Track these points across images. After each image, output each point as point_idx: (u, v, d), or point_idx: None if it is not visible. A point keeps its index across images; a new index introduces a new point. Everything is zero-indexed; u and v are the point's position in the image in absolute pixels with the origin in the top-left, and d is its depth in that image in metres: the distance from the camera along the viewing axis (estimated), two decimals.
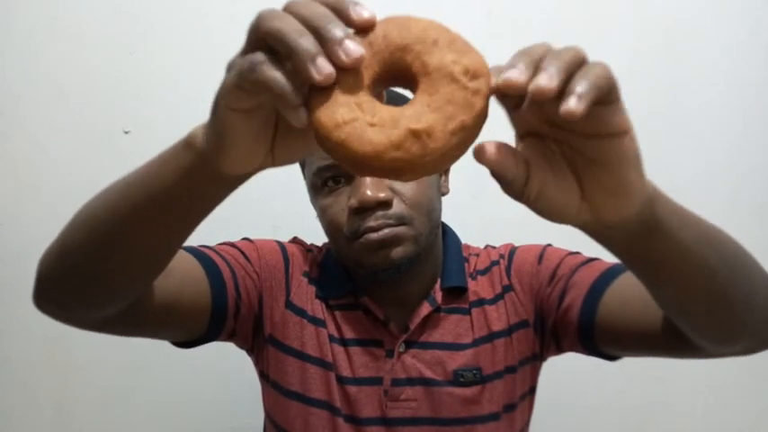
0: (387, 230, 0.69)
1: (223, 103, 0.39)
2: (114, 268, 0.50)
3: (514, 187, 0.38)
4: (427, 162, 0.35)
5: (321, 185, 0.73)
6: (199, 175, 0.43)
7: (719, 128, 1.26)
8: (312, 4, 0.36)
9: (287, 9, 0.36)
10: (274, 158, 0.42)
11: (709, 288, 0.46)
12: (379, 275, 0.72)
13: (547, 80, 0.33)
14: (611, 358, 0.72)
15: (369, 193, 0.68)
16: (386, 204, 0.69)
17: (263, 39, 0.36)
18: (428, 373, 0.74)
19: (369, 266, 0.72)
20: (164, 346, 1.20)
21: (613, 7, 1.25)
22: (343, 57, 0.34)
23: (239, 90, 0.37)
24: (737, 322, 0.49)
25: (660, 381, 1.26)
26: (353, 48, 0.35)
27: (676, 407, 1.27)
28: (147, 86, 1.23)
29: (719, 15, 1.26)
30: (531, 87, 0.33)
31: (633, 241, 0.41)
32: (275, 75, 0.35)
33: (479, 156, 0.36)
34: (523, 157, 0.37)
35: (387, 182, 0.70)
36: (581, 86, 0.33)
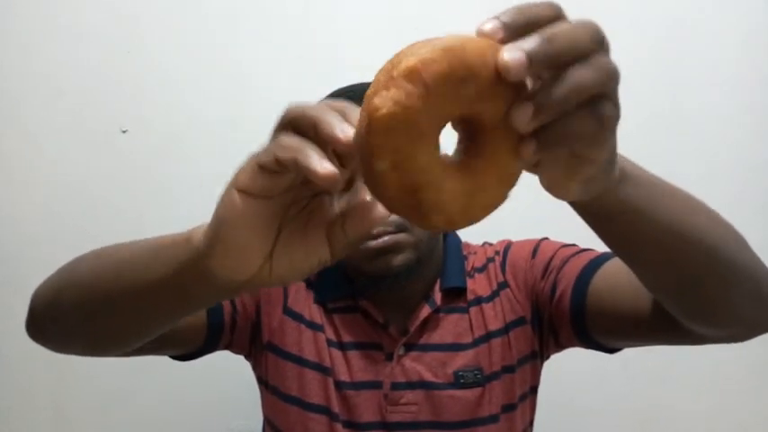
0: (386, 238, 0.69)
1: (233, 183, 0.37)
2: (102, 333, 0.50)
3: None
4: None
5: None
6: (190, 274, 0.40)
7: (721, 128, 1.26)
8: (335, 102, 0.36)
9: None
10: (272, 268, 0.39)
11: (681, 264, 0.45)
12: (379, 282, 0.72)
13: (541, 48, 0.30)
14: (609, 351, 0.71)
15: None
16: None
17: (289, 123, 0.36)
18: (428, 376, 0.74)
19: (369, 273, 0.71)
20: None
21: (614, 7, 1.24)
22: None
23: (259, 169, 0.36)
24: (714, 303, 0.49)
25: (663, 382, 1.25)
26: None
27: (679, 408, 1.27)
28: (144, 86, 1.22)
29: (721, 15, 1.25)
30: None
31: (609, 221, 0.41)
32: (299, 140, 0.34)
33: None
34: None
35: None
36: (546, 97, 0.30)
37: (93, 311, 0.49)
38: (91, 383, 1.23)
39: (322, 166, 0.33)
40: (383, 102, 0.30)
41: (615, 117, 0.32)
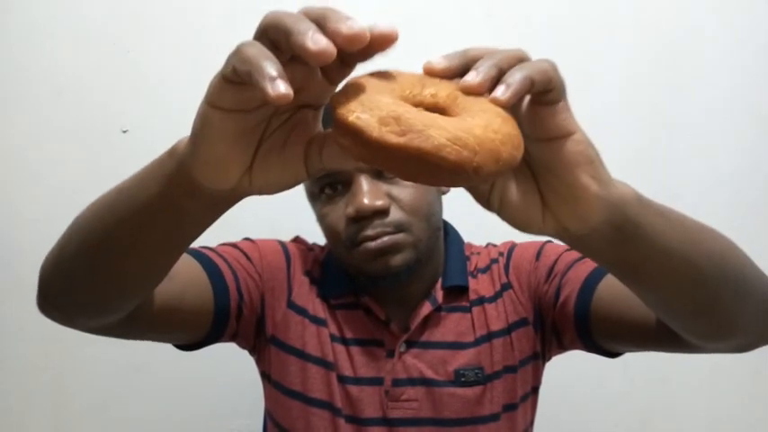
0: (385, 239, 0.68)
1: (205, 99, 0.36)
2: (106, 279, 0.49)
3: (477, 194, 0.38)
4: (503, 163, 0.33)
5: (318, 192, 0.72)
6: (178, 186, 0.40)
7: (720, 128, 1.26)
8: (316, 6, 0.35)
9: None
10: (251, 180, 0.39)
11: (696, 291, 0.45)
12: (379, 282, 0.72)
13: (472, 76, 0.33)
14: (612, 355, 0.71)
15: (366, 201, 0.67)
16: (383, 213, 0.68)
17: (263, 32, 0.34)
18: (429, 374, 0.74)
19: (369, 274, 0.71)
20: (163, 348, 1.20)
21: (614, 7, 1.24)
22: (345, 30, 0.32)
23: (224, 82, 0.35)
24: (728, 323, 0.49)
25: (663, 382, 1.25)
26: (355, 25, 0.33)
27: (679, 408, 1.27)
28: (145, 86, 1.22)
29: (720, 16, 1.26)
30: (460, 84, 0.34)
31: (609, 248, 0.40)
32: (258, 52, 0.32)
33: None
34: None
35: (384, 188, 0.69)
36: (512, 77, 0.33)
37: (94, 255, 0.47)
38: (91, 383, 1.23)
39: (273, 86, 0.31)
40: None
41: (551, 65, 0.35)
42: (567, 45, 1.21)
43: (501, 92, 0.33)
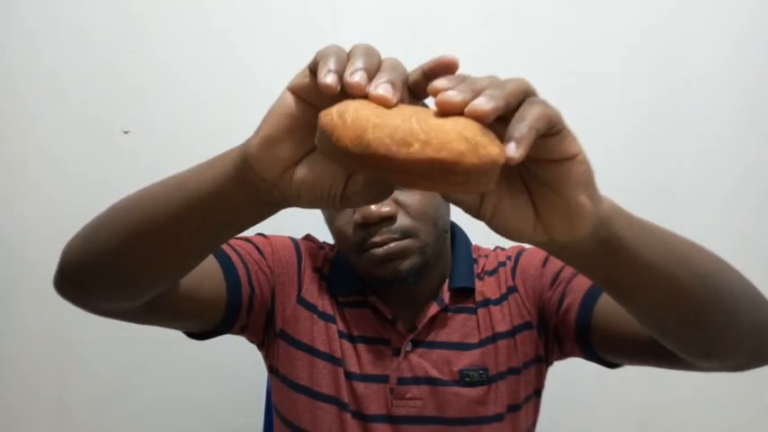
0: (392, 245, 0.69)
1: (289, 83, 0.41)
2: (138, 268, 0.51)
3: (466, 206, 0.39)
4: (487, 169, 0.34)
5: None
6: (233, 171, 0.43)
7: (719, 128, 1.26)
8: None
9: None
10: (293, 178, 0.42)
11: (680, 305, 0.46)
12: (386, 286, 0.73)
13: (483, 102, 0.34)
14: (611, 365, 0.72)
15: (373, 207, 0.68)
16: (390, 219, 0.69)
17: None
18: (434, 373, 0.75)
19: (377, 278, 0.72)
20: (163, 347, 1.21)
21: (613, 7, 1.25)
22: (347, 77, 0.37)
23: (307, 71, 0.40)
24: (718, 340, 0.49)
25: (663, 381, 1.26)
26: (359, 76, 0.37)
27: (679, 408, 1.27)
28: (146, 86, 1.23)
29: (719, 15, 1.26)
30: (468, 109, 0.34)
31: (592, 260, 0.42)
32: (334, 50, 0.38)
33: None
34: None
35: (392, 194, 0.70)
36: (518, 131, 0.34)
37: (138, 239, 0.49)
38: (92, 381, 1.23)
39: (325, 75, 0.37)
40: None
41: (547, 105, 0.35)
42: (566, 45, 1.21)
43: (513, 151, 0.33)
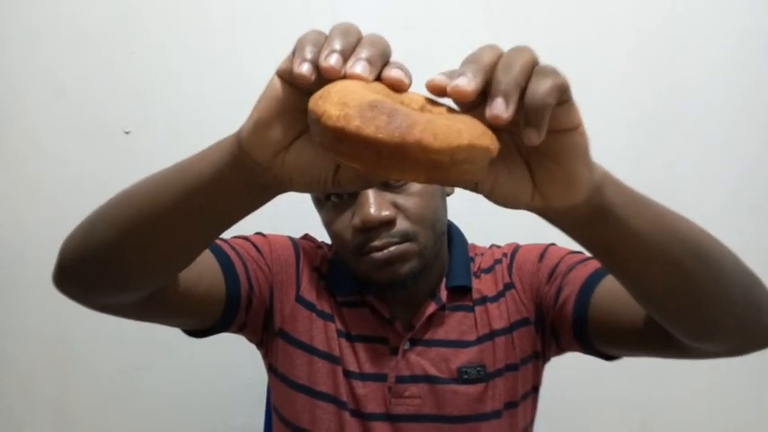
0: (392, 249, 0.69)
1: (277, 67, 0.41)
2: (136, 261, 0.51)
3: (463, 183, 0.39)
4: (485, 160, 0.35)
5: (324, 200, 0.73)
6: (229, 156, 0.43)
7: (719, 127, 1.26)
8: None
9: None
10: (285, 162, 0.42)
11: (673, 277, 0.46)
12: (385, 289, 0.74)
13: (502, 109, 0.34)
14: (609, 358, 0.72)
15: (372, 212, 0.68)
16: (389, 223, 0.69)
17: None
18: (432, 371, 0.75)
19: (375, 281, 0.72)
20: (163, 347, 1.21)
21: (613, 6, 1.25)
22: (322, 61, 0.37)
23: (291, 54, 0.39)
24: (710, 314, 0.49)
25: (663, 381, 1.26)
26: (396, 71, 0.38)
27: (679, 408, 1.27)
28: (147, 87, 1.23)
29: (719, 15, 1.26)
30: (488, 114, 0.34)
31: (586, 227, 0.43)
32: (312, 36, 0.38)
33: None
34: None
35: (390, 198, 0.70)
36: (535, 117, 0.34)
37: (133, 235, 0.49)
38: (92, 381, 1.23)
39: (299, 64, 0.37)
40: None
41: (557, 71, 0.35)
42: (566, 45, 1.21)
43: (534, 138, 0.34)
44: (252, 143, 0.42)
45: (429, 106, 0.38)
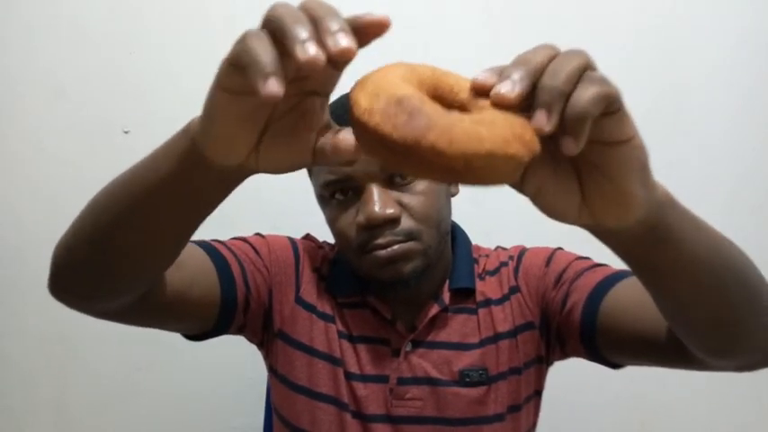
0: (396, 247, 0.69)
1: (214, 80, 0.37)
2: (118, 260, 0.50)
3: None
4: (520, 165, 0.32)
5: (329, 197, 0.72)
6: (190, 162, 0.41)
7: (719, 127, 1.26)
8: (321, 3, 0.34)
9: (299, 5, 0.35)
10: (258, 160, 0.41)
11: (715, 302, 0.45)
12: (388, 288, 0.73)
13: (544, 119, 0.32)
14: (615, 366, 0.72)
15: (377, 210, 0.67)
16: (394, 221, 0.69)
17: (264, 25, 0.35)
18: (434, 373, 0.75)
19: (379, 280, 0.72)
20: (164, 347, 1.21)
21: (613, 6, 1.25)
22: (331, 45, 0.32)
23: (230, 66, 0.36)
24: (741, 339, 0.49)
25: (663, 381, 1.26)
26: (344, 39, 0.32)
27: (679, 408, 1.27)
28: (146, 86, 1.23)
29: (719, 15, 1.26)
30: (532, 124, 0.33)
31: (636, 246, 0.40)
32: (259, 44, 0.33)
33: None
34: None
35: (395, 196, 0.69)
36: (574, 126, 0.32)
37: (109, 233, 0.48)
38: (92, 381, 1.23)
39: (265, 84, 0.32)
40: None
41: (606, 80, 0.34)
42: (566, 45, 1.21)
43: (571, 147, 0.32)
44: (218, 154, 0.40)
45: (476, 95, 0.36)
